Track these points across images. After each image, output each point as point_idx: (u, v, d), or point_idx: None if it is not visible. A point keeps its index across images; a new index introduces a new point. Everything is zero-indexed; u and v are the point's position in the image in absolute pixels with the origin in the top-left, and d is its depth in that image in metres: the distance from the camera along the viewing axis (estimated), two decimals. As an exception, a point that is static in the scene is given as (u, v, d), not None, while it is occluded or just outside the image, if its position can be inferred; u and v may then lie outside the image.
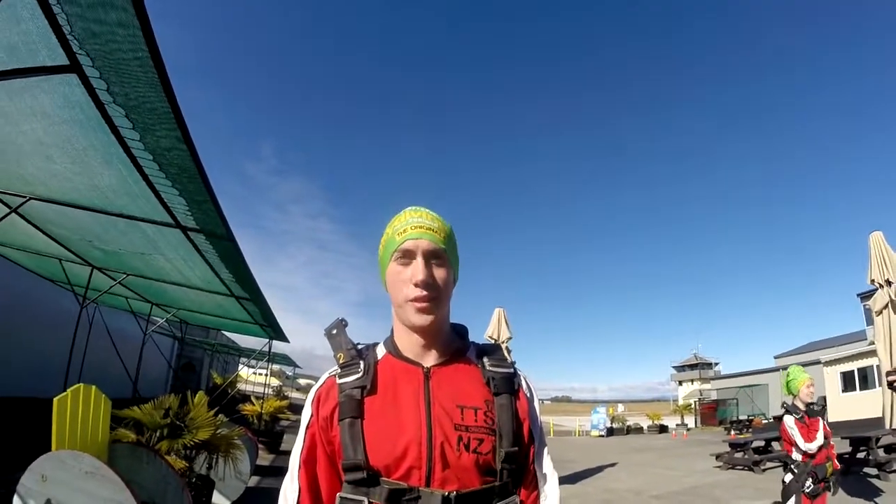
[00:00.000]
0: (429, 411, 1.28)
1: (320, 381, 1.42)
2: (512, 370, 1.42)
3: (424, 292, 1.30)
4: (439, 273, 1.34)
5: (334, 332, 1.44)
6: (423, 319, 1.30)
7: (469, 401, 1.32)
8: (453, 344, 1.44)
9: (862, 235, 9.05)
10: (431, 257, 1.34)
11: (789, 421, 5.38)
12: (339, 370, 1.37)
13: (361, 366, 1.35)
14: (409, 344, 1.39)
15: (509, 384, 1.38)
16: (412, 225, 1.35)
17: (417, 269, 1.31)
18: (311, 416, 1.37)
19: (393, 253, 1.35)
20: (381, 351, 1.43)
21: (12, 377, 11.14)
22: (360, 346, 1.43)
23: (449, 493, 1.21)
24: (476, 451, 1.26)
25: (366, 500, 1.22)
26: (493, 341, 12.14)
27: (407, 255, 1.33)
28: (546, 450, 1.45)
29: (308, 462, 1.34)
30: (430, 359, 1.38)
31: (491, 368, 1.39)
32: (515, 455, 1.31)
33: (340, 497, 1.27)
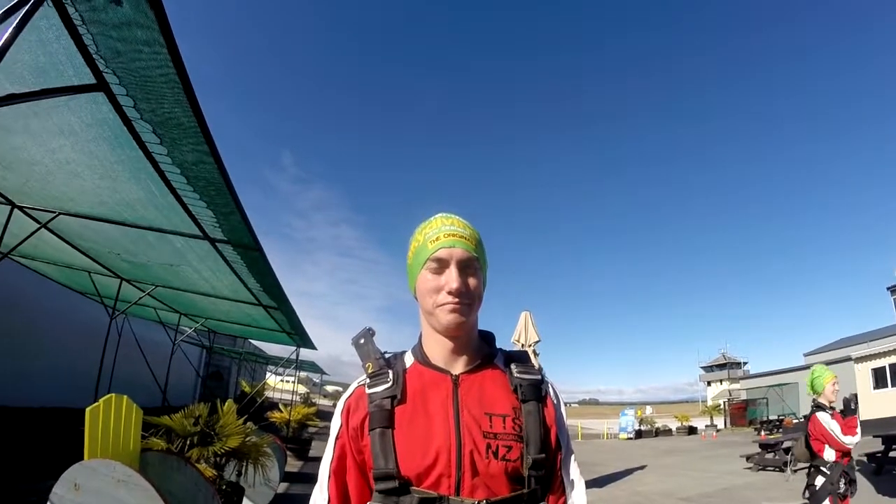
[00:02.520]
0: (457, 419, 1.28)
1: (349, 391, 1.42)
2: (539, 377, 1.41)
3: (457, 300, 1.30)
4: (472, 281, 1.34)
5: (362, 341, 1.44)
6: (456, 319, 1.30)
7: (497, 408, 1.32)
8: (481, 351, 1.43)
9: (891, 228, 8.92)
10: (464, 266, 1.33)
11: (825, 417, 5.07)
12: (367, 380, 1.37)
13: (390, 375, 1.35)
14: (438, 351, 1.38)
15: (537, 391, 1.37)
16: (445, 233, 1.35)
17: (451, 277, 1.30)
18: (341, 425, 1.37)
19: (425, 261, 1.34)
20: (409, 359, 1.43)
21: (45, 388, 11.32)
22: (387, 355, 1.43)
23: (478, 502, 1.21)
24: (504, 458, 1.25)
25: None
26: (520, 345, 12.12)
27: (440, 264, 1.33)
28: (573, 457, 1.43)
29: (338, 472, 1.35)
30: (459, 366, 1.38)
31: (518, 375, 1.38)
32: (543, 462, 1.30)
33: None
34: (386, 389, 1.33)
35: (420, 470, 1.23)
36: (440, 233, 1.35)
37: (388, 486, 1.23)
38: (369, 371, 1.38)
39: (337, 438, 1.37)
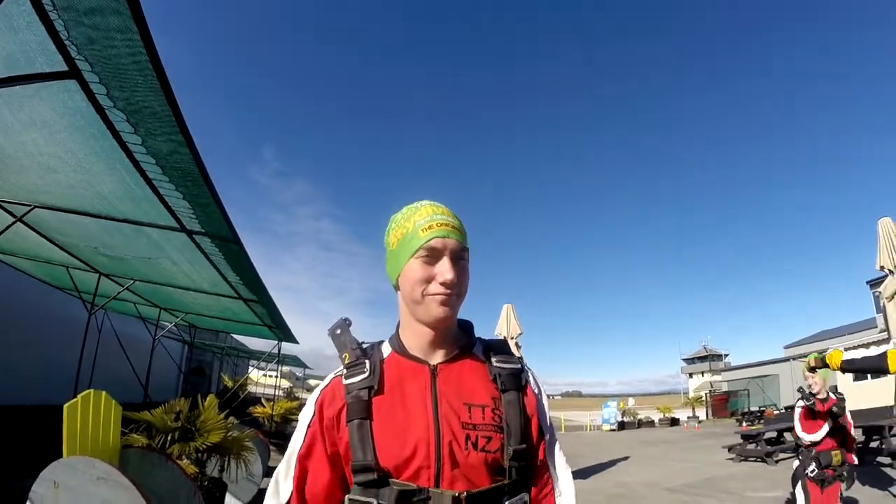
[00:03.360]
0: (436, 410, 1.26)
1: (325, 382, 1.39)
2: (519, 366, 1.39)
3: (448, 291, 1.27)
4: (462, 272, 1.32)
5: (338, 332, 1.41)
6: (445, 311, 1.28)
7: (476, 398, 1.30)
8: (460, 341, 1.41)
9: (870, 221, 9.00)
10: (457, 257, 1.31)
11: (797, 408, 5.52)
12: (344, 370, 1.34)
13: (367, 365, 1.32)
14: (417, 341, 1.36)
15: (516, 380, 1.35)
16: (438, 222, 1.31)
17: (446, 268, 1.28)
18: (314, 415, 1.34)
19: (417, 249, 1.29)
20: (386, 349, 1.40)
21: (23, 385, 11.18)
22: (364, 346, 1.40)
23: (459, 494, 1.18)
24: (484, 449, 1.24)
25: (375, 501, 1.20)
26: (502, 338, 12.12)
27: (433, 254, 1.29)
28: (558, 445, 1.42)
29: (304, 459, 1.32)
30: (437, 356, 1.35)
31: (497, 365, 1.36)
32: (524, 452, 1.28)
33: (349, 499, 1.25)
34: (363, 380, 1.30)
35: (399, 462, 1.21)
36: (432, 221, 1.31)
37: (366, 479, 1.21)
38: (346, 361, 1.35)
39: (308, 427, 1.34)
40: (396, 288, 1.39)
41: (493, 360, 1.38)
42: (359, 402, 1.27)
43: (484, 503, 1.22)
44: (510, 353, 1.42)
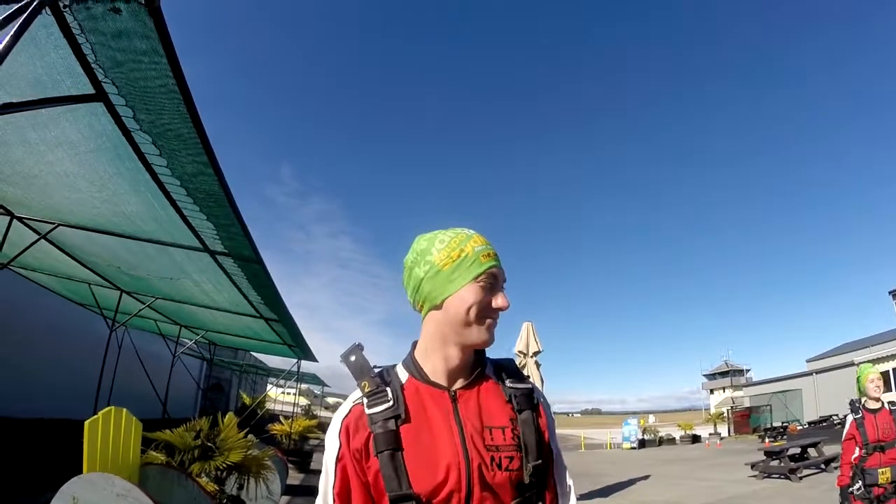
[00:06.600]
0: (462, 434, 1.28)
1: (345, 411, 1.38)
2: (530, 386, 1.43)
3: (497, 317, 1.38)
4: None
5: (353, 358, 1.40)
6: (491, 337, 1.36)
7: (496, 421, 1.34)
8: (475, 364, 1.44)
9: (893, 231, 8.92)
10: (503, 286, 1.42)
11: (849, 420, 5.10)
12: (365, 399, 1.33)
13: (389, 393, 1.32)
14: (442, 366, 1.37)
15: (530, 400, 1.40)
16: (493, 252, 1.40)
17: (505, 296, 1.37)
18: (341, 447, 1.33)
19: (479, 275, 1.34)
20: (402, 374, 1.41)
21: (44, 400, 11.30)
22: (378, 370, 1.41)
23: None
24: (508, 468, 1.28)
25: None
26: (522, 356, 12.13)
27: (493, 281, 1.37)
28: (564, 461, 1.48)
29: (341, 494, 1.32)
30: (455, 381, 1.39)
31: (511, 386, 1.40)
32: (541, 469, 1.34)
33: None
34: (388, 409, 1.30)
35: (431, 488, 1.23)
36: (489, 250, 1.39)
37: None
38: (366, 390, 1.34)
39: (338, 460, 1.33)
40: (431, 308, 1.39)
41: (507, 380, 1.42)
42: (387, 433, 1.27)
43: None
44: (520, 373, 1.47)
